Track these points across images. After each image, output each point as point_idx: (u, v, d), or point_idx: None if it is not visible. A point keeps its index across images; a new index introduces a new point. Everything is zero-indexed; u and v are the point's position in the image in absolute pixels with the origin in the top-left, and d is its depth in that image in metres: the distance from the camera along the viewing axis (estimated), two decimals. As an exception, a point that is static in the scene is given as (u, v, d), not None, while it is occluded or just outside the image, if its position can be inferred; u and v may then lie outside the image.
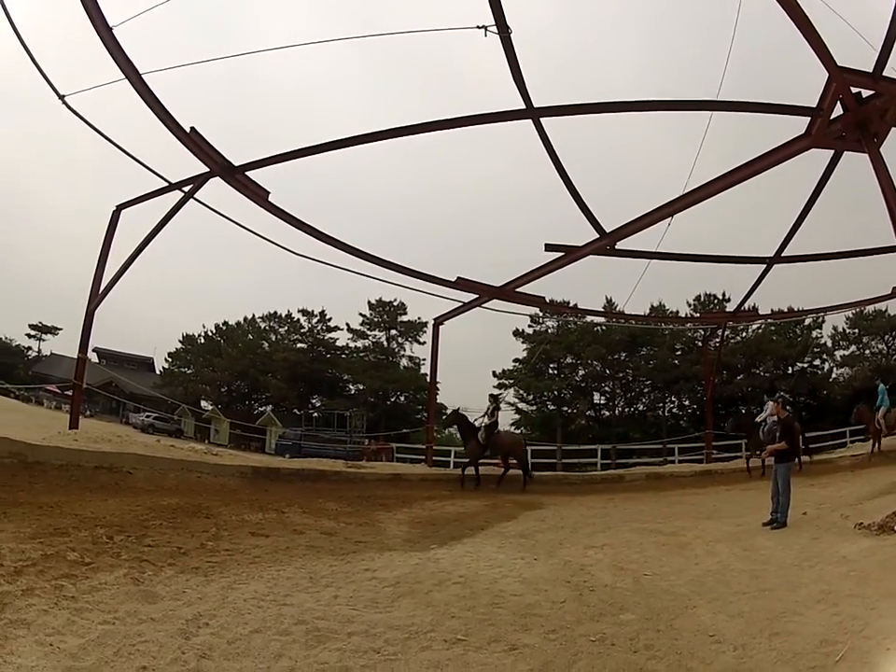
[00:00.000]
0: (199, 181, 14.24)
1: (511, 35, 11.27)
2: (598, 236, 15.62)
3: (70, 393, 42.41)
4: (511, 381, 50.62)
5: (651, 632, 4.69)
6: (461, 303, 19.80)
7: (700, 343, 32.36)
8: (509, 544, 7.92)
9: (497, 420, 17.50)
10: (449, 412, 18.21)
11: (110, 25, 11.06)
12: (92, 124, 12.82)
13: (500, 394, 31.78)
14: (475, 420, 17.46)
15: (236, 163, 14.02)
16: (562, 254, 16.69)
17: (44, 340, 73.14)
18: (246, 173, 14.27)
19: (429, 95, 46.59)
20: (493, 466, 17.26)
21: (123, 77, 11.80)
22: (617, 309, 35.74)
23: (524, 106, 12.74)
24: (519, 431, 50.53)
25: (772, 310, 25.23)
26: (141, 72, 11.92)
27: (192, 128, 13.18)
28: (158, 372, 63.96)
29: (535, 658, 4.13)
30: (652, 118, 13.56)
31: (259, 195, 14.64)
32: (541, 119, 13.29)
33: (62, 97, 12.19)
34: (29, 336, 72.41)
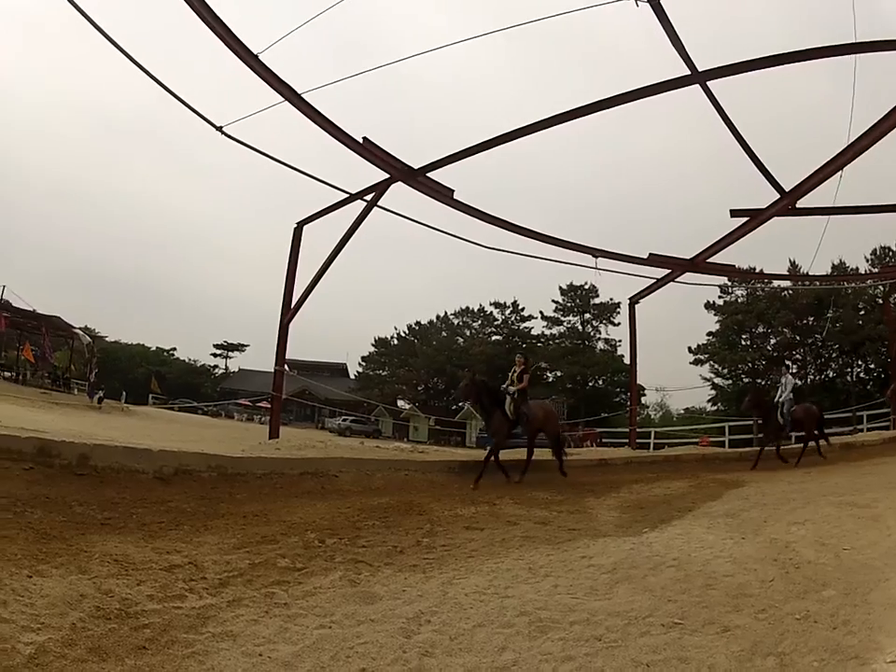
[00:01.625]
0: (380, 188, 14.59)
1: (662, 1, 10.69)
2: (779, 196, 14.89)
3: (262, 404, 44.48)
4: (707, 356, 49.45)
5: (849, 607, 4.48)
6: (654, 280, 19.43)
7: (881, 301, 29.88)
8: (717, 524, 7.64)
9: (526, 387, 13.18)
10: (463, 381, 13.43)
11: (255, 53, 11.31)
12: (258, 149, 13.19)
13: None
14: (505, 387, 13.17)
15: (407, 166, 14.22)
16: (746, 219, 16.14)
17: (230, 357, 79.36)
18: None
19: (589, 74, 46.13)
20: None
21: (282, 99, 12.02)
22: (801, 271, 33.70)
23: (688, 72, 12.15)
24: (714, 408, 48.83)
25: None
26: (300, 92, 12.13)
27: (364, 137, 13.47)
28: (352, 377, 66.61)
29: (745, 639, 3.94)
30: (803, 68, 12.55)
31: (443, 194, 15.04)
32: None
33: (219, 128, 12.46)
34: (214, 356, 79.17)
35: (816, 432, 15.82)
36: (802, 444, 15.95)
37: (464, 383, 12.97)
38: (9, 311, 36.40)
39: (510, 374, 13.21)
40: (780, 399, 15.72)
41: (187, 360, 79.42)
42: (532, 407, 13.02)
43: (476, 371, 12.80)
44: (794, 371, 16.36)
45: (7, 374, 37.24)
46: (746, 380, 47.74)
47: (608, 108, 13.03)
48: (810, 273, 25.62)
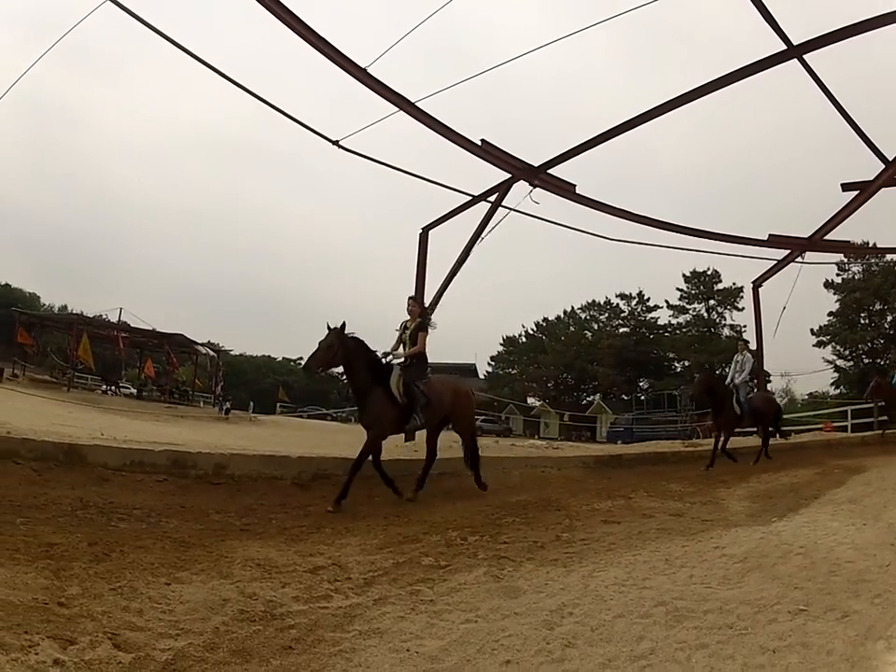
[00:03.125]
0: (503, 188, 14.82)
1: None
2: (883, 166, 14.56)
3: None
4: (828, 337, 47.72)
5: (956, 589, 4.55)
6: (775, 261, 19.37)
7: None
8: (840, 511, 7.71)
9: (423, 351, 9.05)
10: (325, 339, 8.04)
11: (363, 67, 11.53)
12: (376, 159, 13.50)
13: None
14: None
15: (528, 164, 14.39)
16: (857, 192, 15.89)
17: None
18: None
19: (687, 61, 45.14)
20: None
21: (396, 109, 12.24)
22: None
23: (783, 48, 11.92)
24: (837, 392, 46.74)
25: None
26: (412, 100, 12.36)
27: (483, 140, 13.71)
28: (481, 377, 66.62)
29: (861, 623, 3.99)
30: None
31: (566, 189, 15.22)
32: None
33: (335, 142, 12.71)
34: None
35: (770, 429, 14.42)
36: (761, 439, 14.34)
37: (325, 342, 8.09)
38: (128, 331, 38.84)
39: (397, 331, 9.32)
40: (736, 382, 13.51)
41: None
42: (434, 385, 8.98)
43: (346, 324, 8.17)
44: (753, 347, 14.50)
45: (128, 391, 39.74)
46: (866, 360, 45.89)
47: (709, 93, 12.94)
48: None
